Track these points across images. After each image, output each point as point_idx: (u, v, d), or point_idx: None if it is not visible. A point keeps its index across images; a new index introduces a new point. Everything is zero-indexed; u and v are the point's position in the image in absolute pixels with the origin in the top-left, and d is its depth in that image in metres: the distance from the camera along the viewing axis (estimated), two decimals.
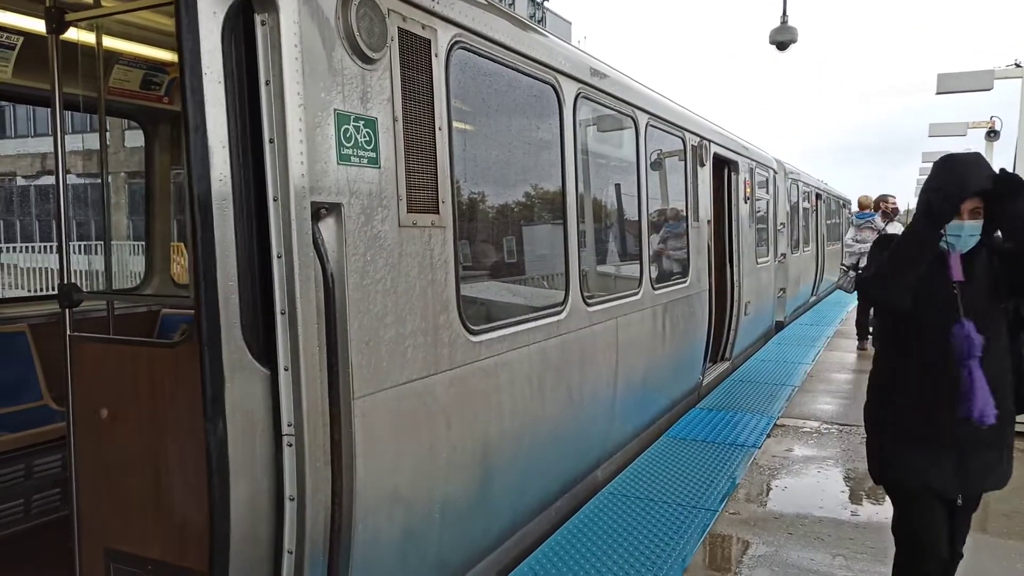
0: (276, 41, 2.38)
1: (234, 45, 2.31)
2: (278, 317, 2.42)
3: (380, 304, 2.77)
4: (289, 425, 2.43)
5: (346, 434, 2.56)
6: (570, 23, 47.87)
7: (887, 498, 4.82)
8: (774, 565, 3.97)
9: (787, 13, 10.93)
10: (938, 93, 11.41)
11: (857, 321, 10.74)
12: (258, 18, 2.36)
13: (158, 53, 4.18)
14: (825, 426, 6.65)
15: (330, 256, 2.53)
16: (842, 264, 7.96)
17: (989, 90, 11.81)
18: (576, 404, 4.56)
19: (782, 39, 11.04)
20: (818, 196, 16.29)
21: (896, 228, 8.82)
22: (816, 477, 5.41)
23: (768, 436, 6.29)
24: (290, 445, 2.44)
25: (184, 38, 2.15)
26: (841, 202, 21.39)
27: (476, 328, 3.44)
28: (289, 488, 2.43)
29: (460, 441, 3.29)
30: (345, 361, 2.57)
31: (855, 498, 5.06)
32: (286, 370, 2.43)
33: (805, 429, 6.54)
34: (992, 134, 16.48)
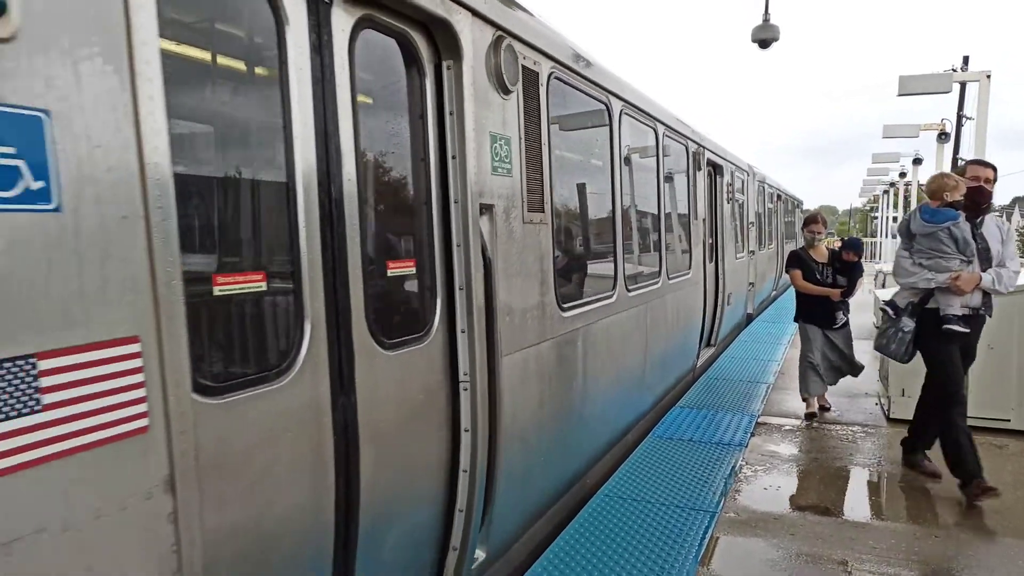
0: (459, 81, 3.10)
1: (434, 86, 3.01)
2: (457, 292, 3.11)
3: (513, 284, 3.56)
4: (465, 374, 3.16)
5: (498, 384, 3.37)
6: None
7: (883, 497, 4.86)
8: (783, 568, 3.92)
9: (768, 11, 10.98)
10: (899, 95, 11.67)
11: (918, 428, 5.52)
12: (444, 64, 3.06)
13: None
14: (806, 424, 6.72)
15: (488, 245, 3.32)
16: (884, 306, 5.33)
17: (948, 92, 12.17)
18: (623, 372, 5.62)
19: (764, 37, 11.11)
20: (779, 197, 17.60)
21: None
22: (806, 476, 5.40)
23: (752, 435, 6.28)
24: (465, 389, 3.17)
25: (412, 79, 2.98)
26: (795, 202, 22.95)
27: (565, 306, 4.28)
28: (465, 422, 3.17)
29: (556, 395, 4.18)
30: (497, 327, 3.28)
31: (851, 497, 5.05)
32: (463, 332, 3.14)
33: (787, 427, 6.56)
34: (943, 136, 17.05)
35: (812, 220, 7.16)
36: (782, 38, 11.19)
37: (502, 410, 3.40)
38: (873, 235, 40.18)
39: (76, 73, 1.55)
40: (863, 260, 6.96)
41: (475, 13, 3.19)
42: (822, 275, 6.76)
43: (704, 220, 8.62)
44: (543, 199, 3.91)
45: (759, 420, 6.63)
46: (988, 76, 10.72)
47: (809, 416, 6.86)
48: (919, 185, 23.49)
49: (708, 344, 9.37)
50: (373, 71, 2.80)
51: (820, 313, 6.73)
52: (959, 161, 32.19)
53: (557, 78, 4.17)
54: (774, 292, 16.86)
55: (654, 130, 6.56)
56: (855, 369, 6.89)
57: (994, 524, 4.40)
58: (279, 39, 2.23)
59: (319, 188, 2.35)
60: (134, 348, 1.67)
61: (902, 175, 25.24)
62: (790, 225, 20.43)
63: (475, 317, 3.12)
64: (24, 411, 1.46)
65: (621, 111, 5.50)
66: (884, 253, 28.43)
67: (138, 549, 1.72)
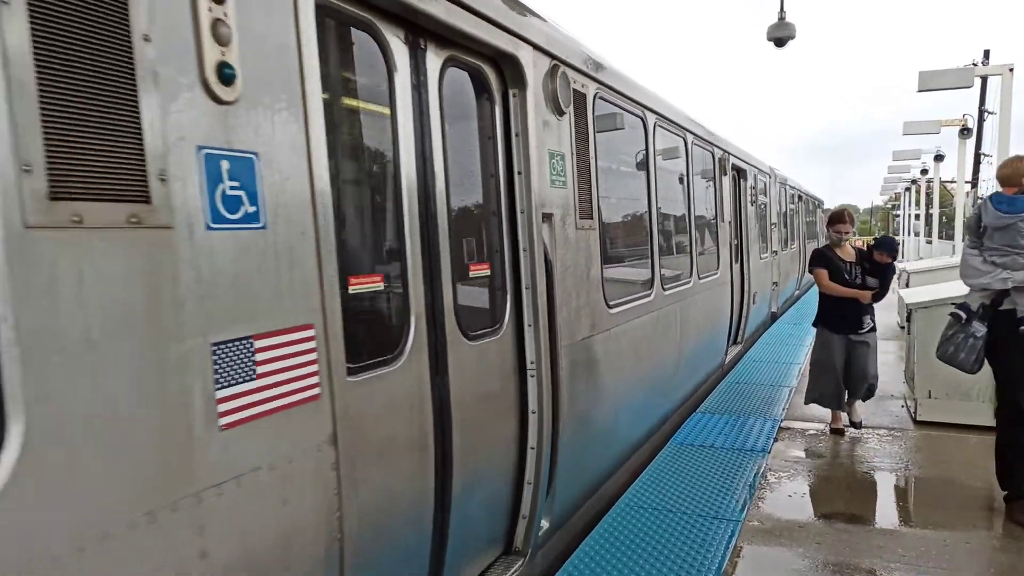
0: (523, 106, 3.60)
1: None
2: (524, 291, 3.61)
3: (569, 284, 4.06)
4: (532, 363, 3.66)
5: (558, 371, 3.85)
6: None
7: (911, 503, 4.73)
8: None
9: (784, 9, 10.89)
10: (919, 91, 11.49)
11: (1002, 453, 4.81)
12: (511, 92, 3.57)
13: None
14: (830, 428, 6.58)
15: (548, 250, 3.79)
16: (956, 309, 4.75)
17: (970, 87, 11.97)
18: (660, 365, 6.15)
19: (780, 35, 11.05)
20: (800, 197, 18.29)
21: None
22: (832, 482, 5.33)
23: (775, 440, 6.18)
24: (532, 376, 3.66)
25: (483, 106, 3.51)
26: (815, 202, 23.58)
27: (611, 303, 4.80)
28: (532, 404, 3.67)
29: (604, 384, 4.68)
30: (557, 321, 3.81)
31: (878, 503, 4.97)
32: (529, 326, 3.64)
33: (811, 432, 6.47)
34: (965, 131, 16.81)
35: (838, 218, 6.61)
36: (799, 37, 11.06)
37: (562, 395, 3.92)
38: (895, 233, 39.67)
39: (272, 123, 2.08)
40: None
41: (536, 47, 3.72)
42: (851, 275, 6.33)
43: (730, 222, 9.22)
44: (591, 207, 4.45)
45: (782, 425, 6.57)
46: (1011, 69, 10.50)
47: (835, 432, 6.46)
48: (941, 182, 23.14)
49: (735, 342, 9.86)
50: (454, 101, 3.26)
51: (846, 317, 6.30)
52: (981, 157, 31.67)
53: (601, 97, 4.76)
54: (797, 291, 17.53)
55: (684, 139, 7.15)
56: (871, 388, 6.50)
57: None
58: (389, 82, 2.77)
59: (419, 204, 2.86)
60: (310, 333, 2.19)
61: (924, 172, 24.86)
62: (811, 225, 21.20)
63: (539, 313, 3.66)
64: (246, 379, 1.98)
65: (655, 123, 6.09)
66: (907, 251, 28.01)
67: (315, 490, 2.23)
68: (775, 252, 13.26)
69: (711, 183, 8.40)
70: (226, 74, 1.94)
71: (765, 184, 12.44)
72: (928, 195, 24.76)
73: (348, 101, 2.66)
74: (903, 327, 10.92)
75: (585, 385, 4.33)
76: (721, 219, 8.71)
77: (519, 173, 3.60)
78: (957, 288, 6.88)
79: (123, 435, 1.66)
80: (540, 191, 3.72)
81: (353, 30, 2.66)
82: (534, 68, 3.70)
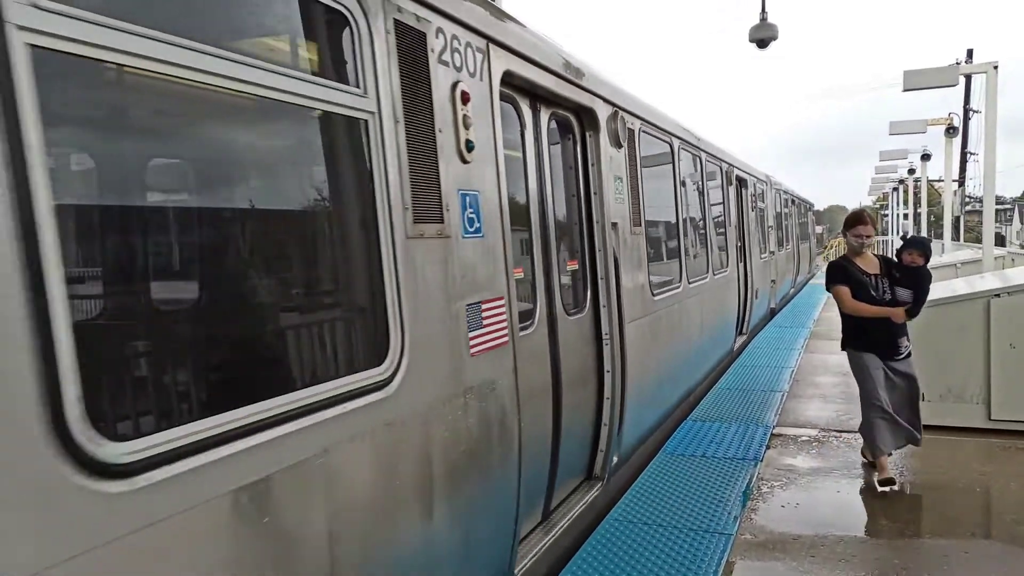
0: (597, 144, 5.13)
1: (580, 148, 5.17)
2: (600, 281, 5.08)
3: (628, 276, 5.51)
4: (606, 334, 5.14)
5: (623, 341, 5.26)
6: None
7: (908, 513, 4.60)
8: None
9: (766, 10, 10.84)
10: (904, 90, 11.48)
11: None
12: (588, 134, 5.14)
13: None
14: (823, 434, 6.62)
15: (615, 250, 5.24)
16: None
17: (955, 85, 11.95)
18: (688, 343, 7.72)
19: (762, 36, 11.07)
20: (792, 201, 20.26)
21: None
22: (826, 491, 5.35)
23: (768, 447, 6.18)
24: (607, 344, 5.14)
25: (567, 145, 5.00)
26: (806, 206, 26.00)
27: (654, 292, 6.34)
28: (607, 365, 5.12)
29: (652, 355, 6.17)
30: (622, 304, 5.33)
31: (872, 513, 4.97)
32: (604, 307, 5.10)
33: (804, 438, 6.43)
34: (951, 130, 16.88)
35: (857, 220, 5.58)
36: (782, 37, 11.04)
37: (628, 359, 5.39)
38: (884, 233, 39.85)
39: (483, 172, 3.51)
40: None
41: (604, 100, 5.32)
42: (878, 290, 5.37)
43: (736, 226, 11.09)
44: (640, 217, 6.01)
45: (774, 431, 6.58)
46: (995, 67, 10.49)
47: (886, 482, 5.33)
48: (928, 181, 23.20)
49: (740, 333, 11.59)
50: (553, 143, 4.73)
51: (877, 342, 5.37)
52: (968, 155, 31.81)
53: (643, 131, 6.40)
54: (792, 289, 19.79)
55: (699, 157, 8.97)
56: (917, 429, 5.44)
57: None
58: (521, 135, 4.28)
59: (539, 217, 4.34)
60: (502, 302, 3.60)
61: (911, 171, 24.97)
62: (803, 226, 24.00)
63: (611, 297, 5.19)
64: (479, 327, 3.39)
65: (679, 147, 7.86)
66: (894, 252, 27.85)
67: (509, 400, 3.61)
68: (772, 253, 15.03)
69: (720, 193, 10.31)
70: (470, 146, 3.39)
71: (763, 191, 14.38)
72: (916, 195, 24.82)
73: (507, 151, 3.97)
74: None
75: (641, 354, 5.86)
76: (729, 224, 10.63)
77: (595, 193, 5.15)
78: (950, 288, 6.80)
79: (447, 349, 3.16)
80: (609, 206, 5.26)
81: (508, 106, 4.13)
82: (603, 115, 5.29)
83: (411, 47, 3.00)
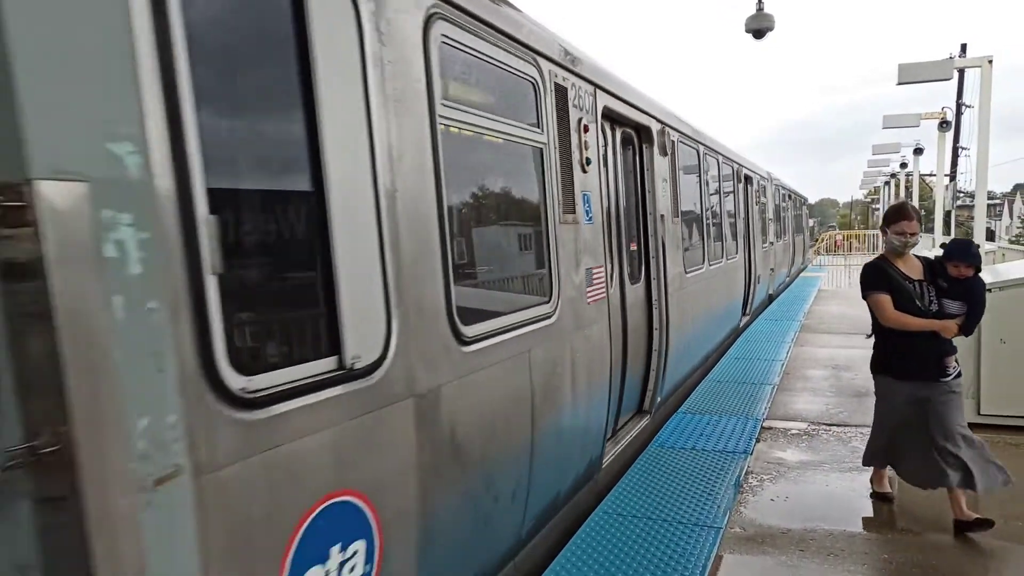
0: (651, 154, 6.95)
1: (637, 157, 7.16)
2: (651, 259, 6.79)
3: (670, 256, 7.20)
4: (656, 300, 6.87)
5: (668, 307, 7.03)
6: None
7: (896, 507, 4.60)
8: None
9: (762, 0, 10.77)
10: (899, 83, 11.62)
11: None
12: (644, 146, 6.93)
13: None
14: (812, 427, 6.71)
15: (662, 235, 6.96)
16: None
17: (949, 79, 11.97)
18: (709, 314, 9.49)
19: (759, 27, 11.06)
20: (789, 196, 21.98)
21: None
22: (815, 484, 5.47)
23: (757, 440, 6.26)
24: (656, 308, 6.87)
25: (627, 154, 6.74)
26: (801, 200, 27.55)
27: (687, 271, 8.09)
28: (656, 324, 6.86)
29: (686, 320, 7.86)
30: (667, 278, 7.32)
31: (860, 506, 5.12)
32: (654, 279, 6.80)
33: (793, 431, 6.51)
34: (944, 124, 16.94)
35: (900, 214, 4.76)
36: (777, 31, 11.03)
37: (671, 321, 7.10)
38: (874, 227, 39.94)
39: (593, 178, 5.06)
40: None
41: (656, 119, 7.10)
42: (923, 300, 4.68)
43: (743, 219, 13.02)
44: (677, 209, 7.78)
45: (764, 424, 6.66)
46: (990, 62, 10.52)
47: (879, 496, 5.09)
48: (920, 175, 23.27)
49: (744, 314, 13.27)
50: (619, 153, 6.31)
51: (924, 359, 4.64)
52: (959, 150, 31.89)
53: (680, 140, 8.18)
54: (788, 278, 22.07)
55: (717, 160, 10.79)
56: (967, 475, 4.48)
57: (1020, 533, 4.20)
58: (604, 150, 5.58)
59: (615, 208, 6.00)
60: (604, 269, 5.28)
61: (903, 165, 25.07)
62: (798, 219, 26.19)
63: (659, 272, 6.91)
64: (591, 284, 4.98)
65: (704, 152, 9.71)
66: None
67: (605, 342, 5.18)
68: (771, 243, 16.96)
69: (732, 189, 12.30)
70: (587, 161, 4.93)
71: (764, 187, 16.28)
72: (908, 189, 24.89)
73: (605, 167, 5.86)
74: None
75: (678, 319, 7.50)
76: (738, 217, 12.61)
77: (649, 192, 6.91)
78: None
79: (579, 297, 4.71)
80: (658, 202, 6.99)
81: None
82: (655, 130, 7.03)
83: (561, 99, 4.68)
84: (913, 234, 4.63)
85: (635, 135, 6.70)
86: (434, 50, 3.13)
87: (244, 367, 2.17)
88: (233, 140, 2.36)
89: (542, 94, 4.32)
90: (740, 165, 12.86)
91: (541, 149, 4.33)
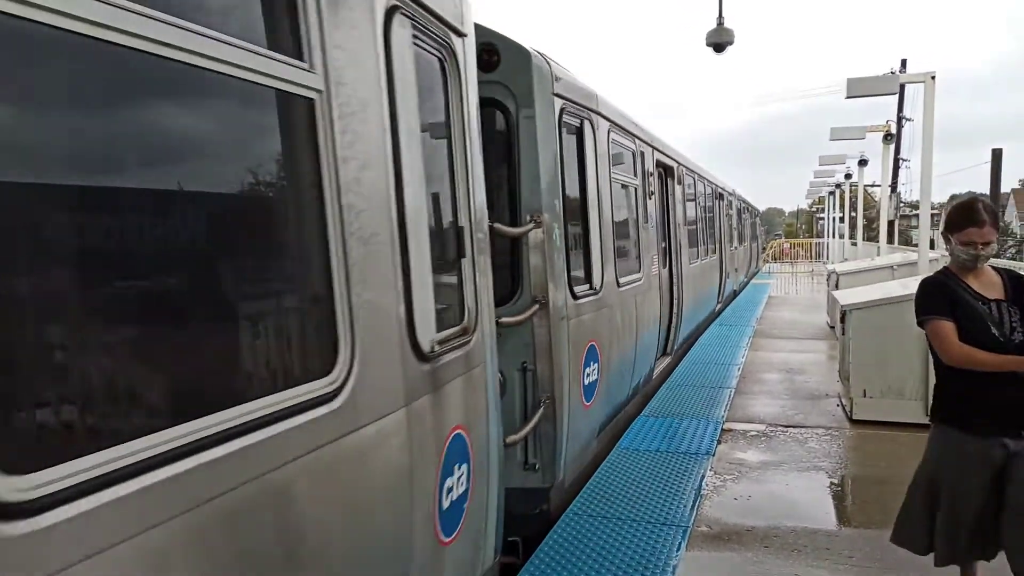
0: (674, 185, 10.79)
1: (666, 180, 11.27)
2: (672, 253, 10.43)
3: (683, 252, 11.19)
4: (675, 279, 10.43)
5: (683, 283, 10.93)
6: None
7: (853, 504, 4.78)
8: None
9: (723, 15, 11.06)
10: (848, 97, 11.93)
11: None
12: (667, 179, 10.54)
13: None
14: (771, 428, 6.94)
15: (678, 236, 10.93)
16: None
17: (895, 93, 12.45)
18: (699, 293, 13.11)
19: (719, 41, 11.23)
20: (747, 209, 26.22)
21: None
22: (776, 484, 5.66)
23: (719, 442, 6.35)
24: (674, 284, 10.49)
25: (663, 185, 10.45)
26: (754, 212, 31.99)
27: (689, 262, 12.07)
28: (675, 295, 10.36)
29: (688, 295, 11.03)
30: (682, 263, 11.63)
31: (820, 504, 5.29)
32: (674, 266, 10.47)
33: (752, 433, 6.70)
34: (888, 137, 17.56)
35: (969, 218, 3.46)
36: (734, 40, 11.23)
37: (684, 293, 10.82)
38: (819, 235, 41.18)
39: (654, 204, 8.79)
40: None
41: (677, 162, 11.23)
42: (1002, 327, 3.45)
43: (718, 227, 16.83)
44: (684, 219, 11.70)
45: (724, 427, 6.76)
46: (933, 77, 10.94)
47: None
48: (864, 186, 24.06)
49: (718, 301, 16.78)
50: (657, 182, 9.53)
51: (1009, 406, 3.37)
52: (900, 162, 32.95)
53: (686, 172, 12.32)
54: (745, 278, 25.44)
55: (704, 183, 15.02)
56: None
57: None
58: (646, 179, 8.33)
59: (657, 214, 9.24)
60: (656, 257, 8.66)
61: (848, 176, 25.84)
62: (753, 227, 30.58)
63: (676, 261, 10.58)
64: (652, 265, 8.23)
65: (697, 179, 13.95)
66: (832, 254, 29.33)
67: (656, 298, 8.39)
68: (735, 247, 21.03)
69: (712, 205, 16.15)
70: (651, 193, 8.47)
71: (731, 202, 20.57)
72: (852, 199, 25.71)
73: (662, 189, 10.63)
74: (832, 327, 11.13)
75: (685, 293, 10.95)
76: (715, 226, 16.43)
77: (671, 210, 10.46)
78: (888, 290, 7.10)
79: (655, 271, 8.30)
80: (678, 214, 10.94)
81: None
82: (677, 169, 11.08)
83: (644, 161, 8.35)
84: (987, 244, 3.41)
85: (665, 173, 10.37)
86: (603, 141, 6.25)
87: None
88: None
89: (640, 161, 8.15)
90: (717, 185, 17.60)
91: (636, 187, 7.90)
